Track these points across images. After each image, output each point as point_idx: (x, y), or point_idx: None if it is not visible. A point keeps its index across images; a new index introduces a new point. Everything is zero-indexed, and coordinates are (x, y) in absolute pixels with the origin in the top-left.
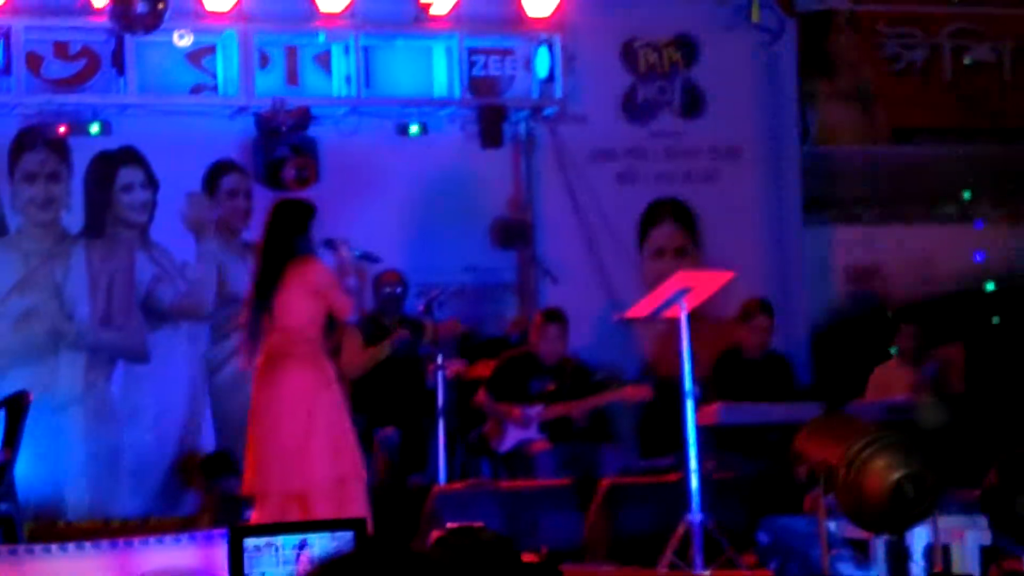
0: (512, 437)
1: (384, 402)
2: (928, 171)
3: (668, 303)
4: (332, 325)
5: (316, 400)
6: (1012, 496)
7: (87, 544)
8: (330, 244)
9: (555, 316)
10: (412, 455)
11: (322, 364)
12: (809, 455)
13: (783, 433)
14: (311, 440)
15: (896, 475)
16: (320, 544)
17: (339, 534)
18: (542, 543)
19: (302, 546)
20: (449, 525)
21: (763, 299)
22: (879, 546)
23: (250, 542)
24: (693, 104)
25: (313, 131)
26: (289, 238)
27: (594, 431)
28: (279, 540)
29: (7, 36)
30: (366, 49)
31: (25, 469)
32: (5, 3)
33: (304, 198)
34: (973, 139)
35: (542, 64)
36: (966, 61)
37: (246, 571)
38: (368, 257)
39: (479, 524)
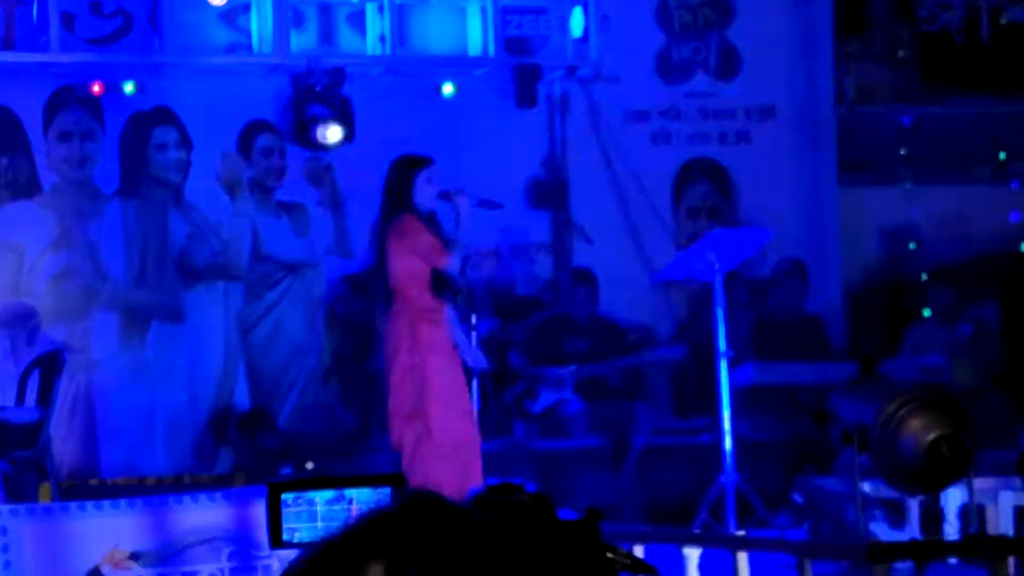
0: (546, 397)
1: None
2: (964, 132)
3: (702, 263)
4: (440, 284)
5: (395, 359)
6: None
7: (121, 501)
8: (446, 196)
9: (586, 276)
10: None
11: (411, 324)
12: (843, 415)
13: (818, 394)
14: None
15: (932, 435)
16: (360, 498)
17: (379, 489)
18: (575, 504)
19: (340, 501)
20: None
21: (796, 259)
22: (913, 507)
23: (288, 497)
24: (728, 64)
25: (347, 90)
26: (391, 195)
27: (628, 391)
28: (317, 495)
29: None
30: (400, 8)
31: (60, 427)
32: None
33: (418, 154)
34: (1009, 100)
35: (576, 24)
36: (1002, 21)
37: (284, 525)
38: (488, 204)
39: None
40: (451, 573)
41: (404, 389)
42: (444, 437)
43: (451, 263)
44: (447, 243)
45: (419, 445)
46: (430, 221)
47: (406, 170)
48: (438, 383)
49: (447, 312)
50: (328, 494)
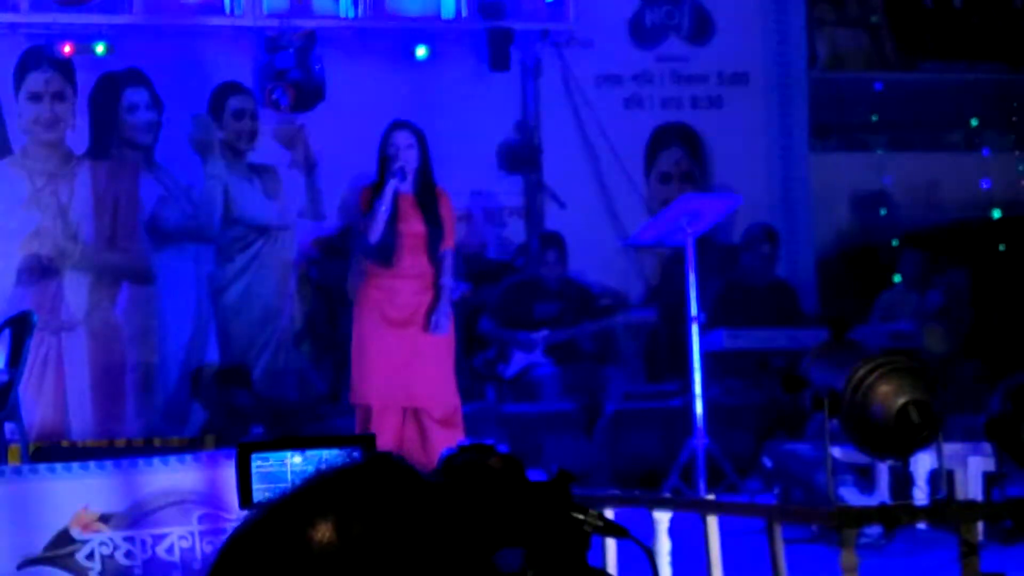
0: (517, 361)
1: None
2: (935, 98)
3: (674, 228)
4: (382, 252)
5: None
6: (1017, 423)
7: (91, 463)
8: (385, 166)
9: (554, 240)
10: None
11: (361, 289)
12: (814, 380)
13: (788, 359)
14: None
15: (901, 400)
16: (330, 459)
17: (349, 449)
18: (545, 466)
19: (311, 461)
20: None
21: (766, 225)
22: (883, 472)
23: (258, 457)
24: (701, 29)
25: (319, 53)
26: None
27: (600, 355)
28: (287, 456)
29: None
30: None
31: (29, 389)
32: None
33: (396, 120)
34: (981, 66)
35: None
36: None
37: (254, 486)
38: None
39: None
40: (400, 530)
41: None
42: (362, 400)
43: (367, 232)
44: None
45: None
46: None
47: (384, 134)
48: (355, 344)
49: (404, 279)
50: (299, 455)
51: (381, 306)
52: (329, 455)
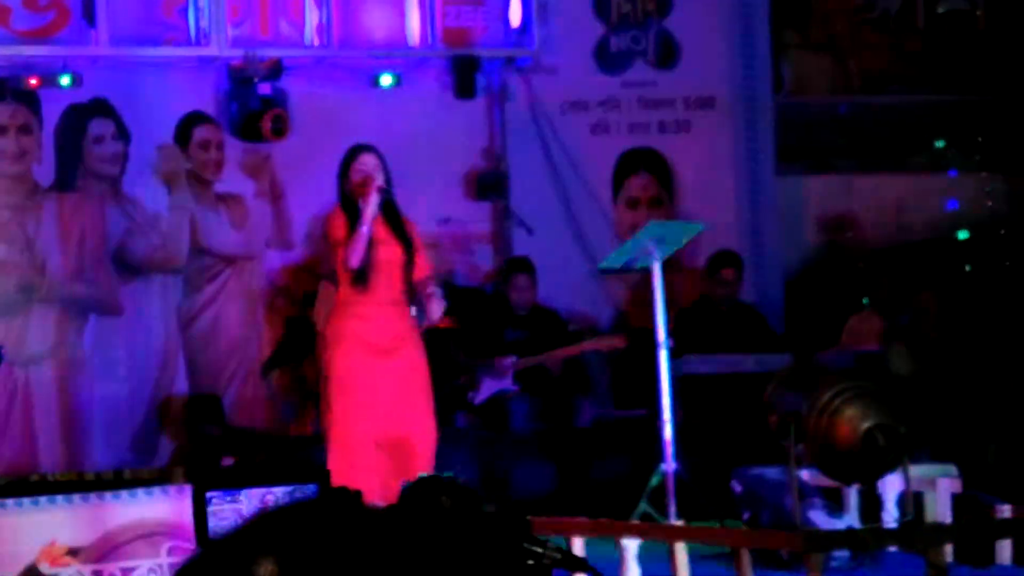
0: (487, 388)
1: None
2: (901, 120)
3: (640, 253)
4: (358, 276)
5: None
6: (983, 445)
7: (58, 497)
8: (360, 185)
9: (522, 265)
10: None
11: (335, 319)
12: (779, 405)
13: (757, 383)
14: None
15: (866, 424)
16: (286, 495)
17: (304, 486)
18: (516, 493)
19: (266, 498)
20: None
21: (729, 251)
22: (852, 495)
23: (214, 495)
24: (667, 54)
25: (285, 82)
26: (338, 187)
27: (569, 381)
28: (243, 493)
29: None
30: (339, 0)
31: None
32: None
33: (361, 142)
34: (946, 88)
35: (515, 14)
36: (939, 10)
37: (211, 525)
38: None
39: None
40: (344, 568)
41: (322, 382)
42: (343, 433)
43: (347, 256)
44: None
45: (328, 439)
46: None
47: (344, 160)
48: (336, 376)
49: (381, 305)
50: (254, 491)
51: (359, 335)
52: (285, 491)
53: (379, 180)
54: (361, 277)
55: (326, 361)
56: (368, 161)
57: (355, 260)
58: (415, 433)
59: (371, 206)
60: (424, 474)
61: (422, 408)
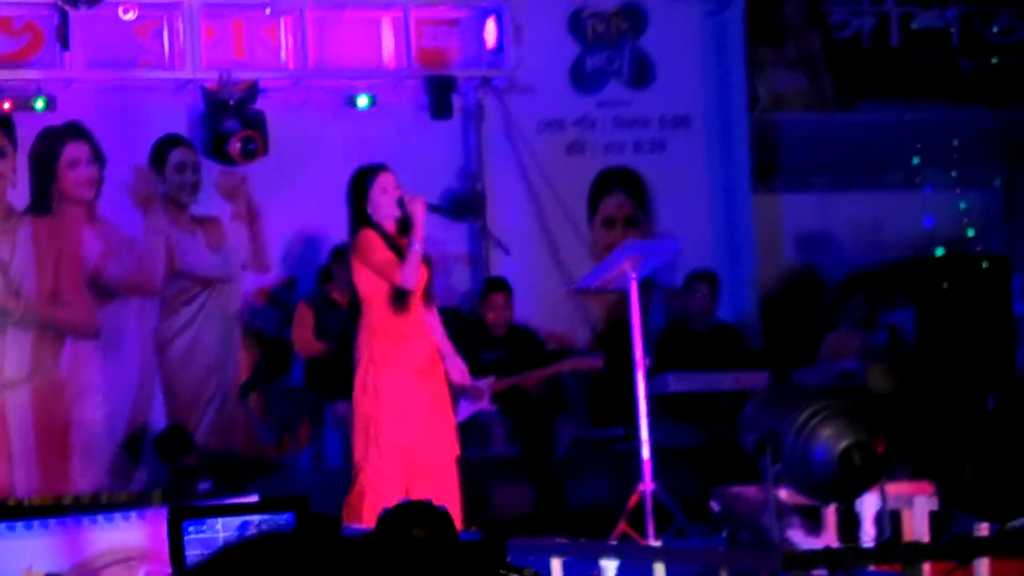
0: (464, 409)
1: (337, 378)
2: (876, 138)
3: (617, 273)
4: (401, 297)
5: (355, 375)
6: (959, 463)
7: (35, 523)
8: (400, 203)
9: (499, 285)
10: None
11: (377, 342)
12: (757, 424)
13: (735, 402)
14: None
15: (843, 444)
16: (262, 523)
17: (281, 515)
18: (494, 514)
19: (242, 527)
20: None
21: (706, 270)
22: (830, 514)
23: (189, 524)
24: (642, 73)
25: (261, 103)
26: (351, 210)
27: (547, 401)
28: (219, 521)
29: None
30: (314, 21)
31: None
32: None
33: (373, 163)
34: (921, 105)
35: (490, 35)
36: (913, 27)
37: (187, 552)
38: (438, 210)
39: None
40: None
41: (362, 406)
42: (393, 456)
43: (405, 277)
44: (401, 255)
45: (367, 463)
46: (399, 230)
47: (360, 182)
48: (387, 400)
49: (418, 325)
50: (230, 520)
51: (405, 357)
52: (262, 519)
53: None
54: (405, 299)
55: (369, 384)
56: (390, 180)
57: (412, 280)
58: (447, 456)
59: (420, 223)
60: (402, 501)
61: (449, 430)
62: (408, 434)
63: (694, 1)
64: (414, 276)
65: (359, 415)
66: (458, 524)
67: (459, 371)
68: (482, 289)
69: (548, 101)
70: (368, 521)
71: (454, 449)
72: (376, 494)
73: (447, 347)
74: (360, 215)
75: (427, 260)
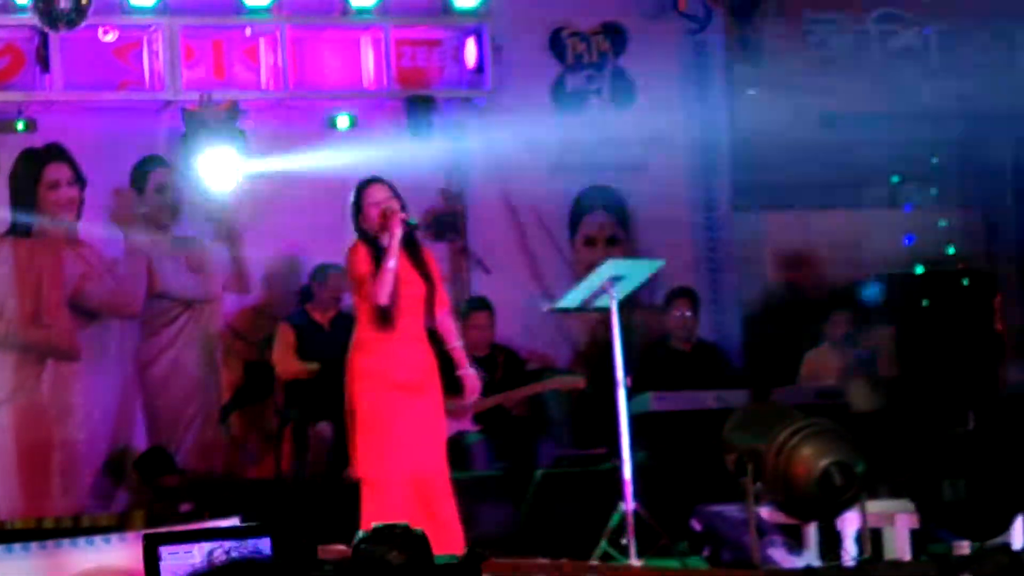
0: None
1: (318, 396)
2: (856, 156)
3: (598, 293)
4: (383, 313)
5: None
6: (938, 481)
7: (16, 546)
8: (382, 217)
9: (482, 304)
10: (346, 449)
11: (357, 356)
12: (737, 444)
13: (716, 421)
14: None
15: (823, 462)
16: (237, 548)
17: (257, 539)
18: (476, 534)
19: (218, 551)
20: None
21: (687, 288)
22: (811, 532)
23: (165, 548)
24: (622, 92)
25: (241, 124)
26: (353, 223)
27: (529, 421)
28: (195, 547)
29: None
30: (293, 42)
31: None
32: None
33: (370, 176)
34: (900, 124)
35: (470, 55)
36: (892, 46)
37: None
38: (413, 227)
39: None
40: None
41: (348, 423)
42: (372, 472)
43: (375, 293)
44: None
45: (359, 479)
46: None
47: (355, 194)
48: (360, 414)
49: (408, 342)
50: (206, 545)
51: (386, 373)
52: (233, 545)
53: (401, 212)
54: (386, 315)
55: (350, 399)
56: (380, 192)
57: (384, 297)
58: (438, 473)
59: (396, 239)
60: (378, 524)
61: (439, 449)
62: (391, 453)
63: (674, 20)
64: (384, 293)
65: (347, 431)
66: (460, 546)
67: (471, 385)
68: (464, 309)
69: (529, 121)
70: None
71: (445, 466)
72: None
73: (462, 360)
74: (357, 228)
75: (426, 276)
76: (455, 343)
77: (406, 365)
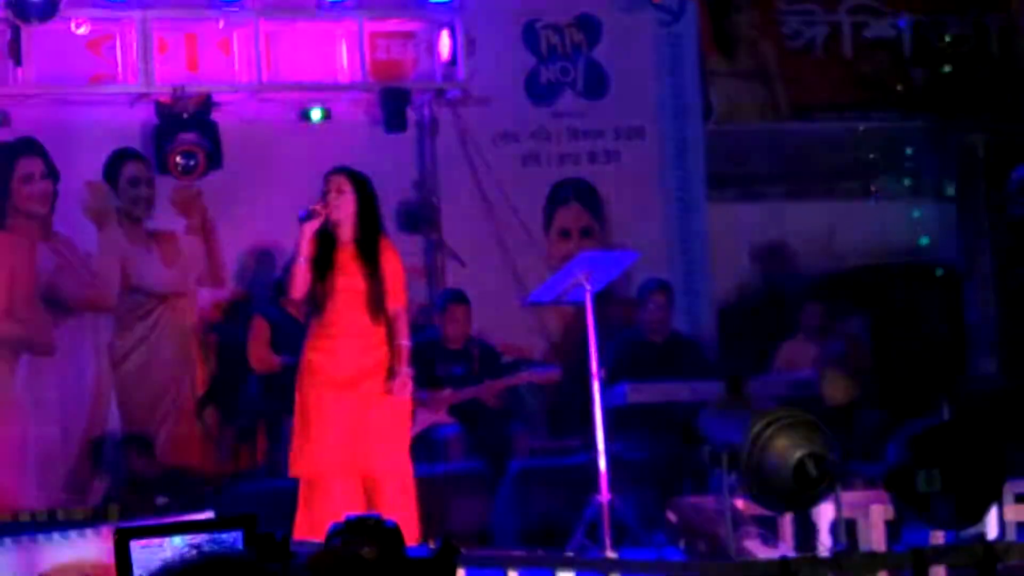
0: (421, 421)
1: (292, 390)
2: (830, 147)
3: (572, 285)
4: (312, 304)
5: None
6: (912, 472)
7: None
8: (299, 219)
9: (459, 297)
10: None
11: (304, 351)
12: (711, 435)
13: (691, 413)
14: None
15: (798, 453)
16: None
17: (230, 532)
18: (451, 527)
19: (191, 545)
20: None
21: (661, 280)
22: (787, 523)
23: (136, 542)
24: (596, 84)
25: (215, 117)
26: None
27: (504, 413)
28: (167, 541)
29: None
30: (267, 34)
31: None
32: None
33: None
34: (874, 115)
35: (444, 47)
36: (865, 36)
37: (135, 572)
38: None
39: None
40: None
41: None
42: (301, 470)
43: (288, 288)
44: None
45: (297, 475)
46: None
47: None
48: (296, 411)
49: (350, 337)
50: (178, 539)
51: (323, 369)
52: (209, 538)
53: (333, 205)
54: (315, 308)
55: (297, 396)
56: (330, 183)
57: (293, 290)
58: (379, 471)
59: (304, 235)
60: (351, 516)
61: (392, 447)
62: (325, 449)
63: (648, 12)
64: (293, 287)
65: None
66: (415, 538)
67: (399, 385)
68: (441, 301)
69: (503, 113)
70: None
71: (397, 468)
72: (307, 514)
73: (400, 358)
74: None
75: (372, 272)
76: (401, 341)
77: (341, 361)
